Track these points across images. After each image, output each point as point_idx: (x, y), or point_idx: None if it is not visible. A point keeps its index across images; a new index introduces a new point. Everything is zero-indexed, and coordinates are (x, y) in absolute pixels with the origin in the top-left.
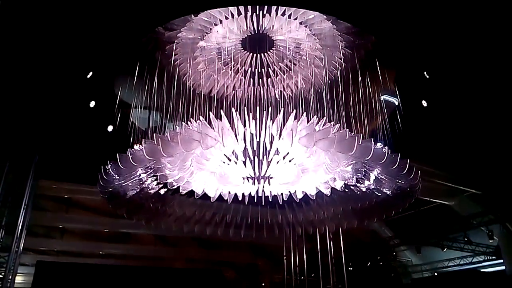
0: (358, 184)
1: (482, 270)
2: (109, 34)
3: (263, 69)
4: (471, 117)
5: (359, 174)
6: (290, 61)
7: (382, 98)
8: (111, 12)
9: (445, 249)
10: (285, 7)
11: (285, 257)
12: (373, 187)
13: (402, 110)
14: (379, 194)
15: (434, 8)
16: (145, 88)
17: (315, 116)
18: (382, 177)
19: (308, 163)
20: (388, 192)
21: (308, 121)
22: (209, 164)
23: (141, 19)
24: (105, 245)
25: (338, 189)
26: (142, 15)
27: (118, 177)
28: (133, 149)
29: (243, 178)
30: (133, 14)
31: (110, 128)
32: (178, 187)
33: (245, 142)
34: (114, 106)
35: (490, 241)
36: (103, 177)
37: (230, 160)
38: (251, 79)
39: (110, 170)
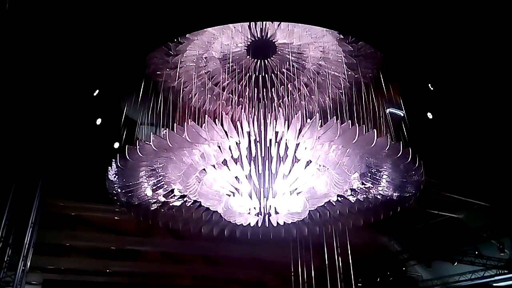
0: (364, 187)
1: (494, 284)
2: (113, 53)
3: (267, 75)
4: (478, 129)
5: (366, 177)
6: (293, 66)
7: (388, 110)
8: (115, 32)
9: (455, 263)
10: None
11: (292, 273)
12: (380, 188)
13: (408, 123)
14: (386, 193)
15: (438, 20)
16: (150, 105)
17: (317, 113)
18: (387, 169)
19: (317, 186)
20: (393, 187)
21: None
22: (212, 191)
23: (145, 38)
24: (112, 262)
25: (346, 197)
26: (145, 34)
27: (125, 174)
28: (141, 142)
29: (249, 209)
30: (136, 33)
31: (116, 145)
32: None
33: (250, 149)
34: (120, 123)
35: (502, 254)
36: (112, 171)
37: (237, 190)
38: (255, 88)
39: (119, 164)
